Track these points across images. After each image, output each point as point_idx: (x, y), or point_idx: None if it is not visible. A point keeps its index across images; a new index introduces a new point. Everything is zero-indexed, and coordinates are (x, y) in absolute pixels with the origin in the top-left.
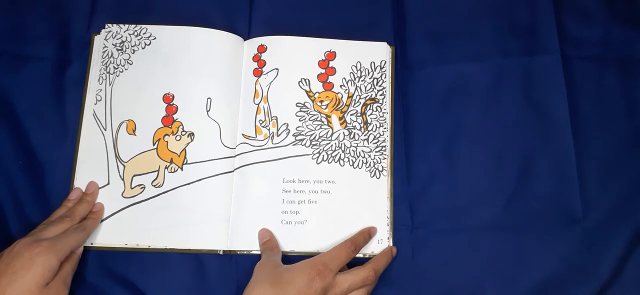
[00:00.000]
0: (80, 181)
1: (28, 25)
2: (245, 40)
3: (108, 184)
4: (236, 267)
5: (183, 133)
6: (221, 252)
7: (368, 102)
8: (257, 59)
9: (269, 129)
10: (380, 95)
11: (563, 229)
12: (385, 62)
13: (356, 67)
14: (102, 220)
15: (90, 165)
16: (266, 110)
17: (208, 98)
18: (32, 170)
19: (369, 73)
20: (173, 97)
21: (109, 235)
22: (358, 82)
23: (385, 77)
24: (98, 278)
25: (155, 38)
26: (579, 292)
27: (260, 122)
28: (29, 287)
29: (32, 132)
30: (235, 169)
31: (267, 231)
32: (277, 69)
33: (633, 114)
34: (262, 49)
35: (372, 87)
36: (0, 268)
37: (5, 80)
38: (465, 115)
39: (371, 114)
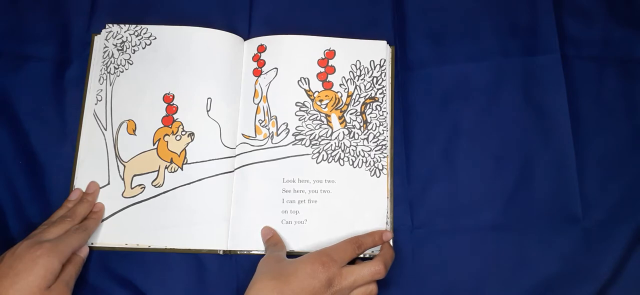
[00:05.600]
0: (81, 181)
1: (28, 25)
2: (245, 40)
3: (108, 184)
4: (236, 267)
5: (183, 133)
6: (221, 252)
7: (368, 101)
8: (256, 58)
9: (268, 129)
10: (380, 94)
11: (563, 229)
12: (385, 60)
13: (356, 65)
14: (102, 220)
15: (91, 165)
16: (266, 110)
17: (208, 98)
18: (32, 170)
19: (368, 71)
20: (173, 97)
21: (109, 235)
22: (358, 80)
23: (385, 76)
24: (98, 278)
25: (155, 38)
26: (579, 292)
27: (260, 121)
28: (31, 289)
29: (32, 132)
30: (235, 169)
31: (269, 229)
32: (276, 68)
33: (633, 114)
34: (261, 48)
35: (372, 85)
36: (2, 270)
37: (5, 80)
38: (465, 115)
39: (371, 113)
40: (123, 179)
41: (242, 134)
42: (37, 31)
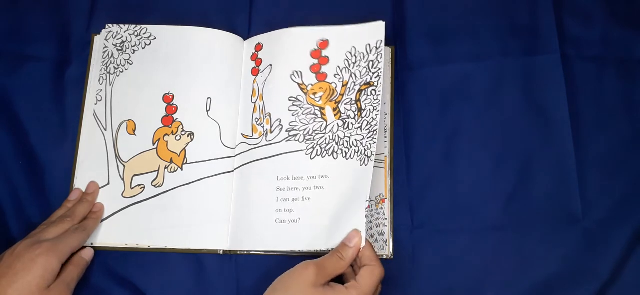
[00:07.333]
0: (80, 181)
1: (28, 25)
2: (245, 40)
3: (108, 184)
4: (236, 267)
5: (183, 133)
6: (221, 252)
7: (363, 87)
8: (254, 58)
9: (263, 127)
10: (376, 77)
11: (563, 229)
12: (381, 41)
13: (351, 53)
14: (102, 220)
15: (90, 165)
16: (261, 108)
17: (208, 98)
18: (32, 170)
19: (364, 57)
20: (173, 97)
21: (109, 235)
22: (353, 68)
23: (381, 59)
24: (98, 278)
25: (155, 38)
26: (579, 292)
27: (257, 120)
28: (30, 288)
29: (32, 132)
30: (235, 169)
31: (358, 237)
32: (271, 65)
33: (633, 114)
34: (258, 47)
35: (368, 70)
36: (1, 270)
37: (5, 80)
38: (465, 115)
39: (366, 99)
40: (123, 179)
41: (242, 134)
42: (37, 31)
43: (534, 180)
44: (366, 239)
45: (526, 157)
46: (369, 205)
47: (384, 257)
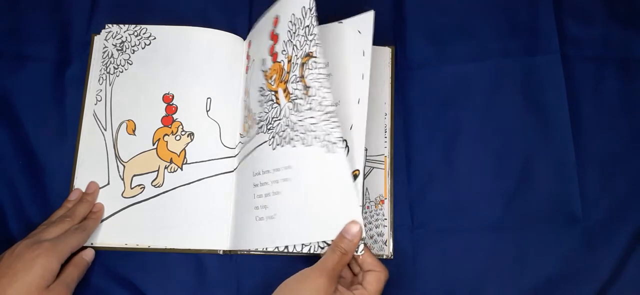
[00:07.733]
0: (80, 181)
1: (28, 25)
2: (245, 40)
3: (108, 184)
4: (236, 267)
5: (183, 133)
6: (221, 252)
7: (304, 59)
8: (247, 55)
9: (247, 123)
10: (314, 45)
11: (563, 229)
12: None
13: (292, 22)
14: (102, 220)
15: (90, 165)
16: (247, 105)
17: (208, 98)
18: (32, 170)
19: (301, 22)
20: (173, 97)
21: (109, 235)
22: (294, 38)
23: (315, 22)
24: (98, 278)
25: (155, 38)
26: (579, 292)
27: (245, 118)
28: (29, 288)
29: (32, 132)
30: (234, 169)
31: (356, 226)
32: (254, 59)
33: (633, 114)
34: (249, 45)
35: (306, 38)
36: (1, 269)
37: (5, 80)
38: (466, 115)
39: (310, 74)
40: (123, 179)
41: (239, 133)
42: (37, 31)
43: (534, 180)
44: (365, 245)
45: (526, 157)
46: (368, 206)
47: (384, 257)
